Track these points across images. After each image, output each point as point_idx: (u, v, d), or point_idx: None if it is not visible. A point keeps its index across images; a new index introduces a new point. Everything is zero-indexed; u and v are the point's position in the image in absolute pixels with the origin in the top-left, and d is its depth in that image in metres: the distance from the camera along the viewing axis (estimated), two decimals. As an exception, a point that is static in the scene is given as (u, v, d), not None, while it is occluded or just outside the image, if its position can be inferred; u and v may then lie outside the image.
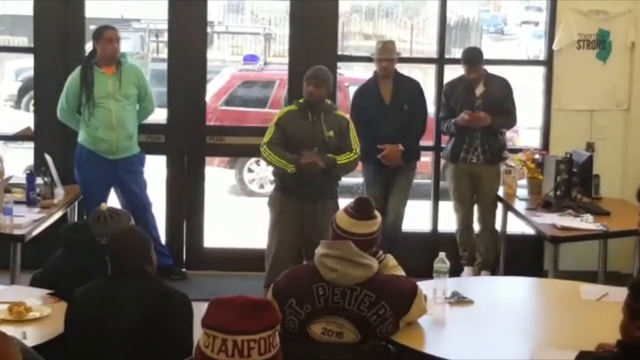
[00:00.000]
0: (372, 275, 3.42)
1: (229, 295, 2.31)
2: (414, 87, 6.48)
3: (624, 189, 6.62)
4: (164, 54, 10.75)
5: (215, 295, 2.38)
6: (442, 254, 3.92)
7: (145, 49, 12.50)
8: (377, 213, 3.61)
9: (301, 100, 5.83)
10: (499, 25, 23.65)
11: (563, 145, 6.46)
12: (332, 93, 6.03)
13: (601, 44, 6.79)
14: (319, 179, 5.66)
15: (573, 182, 5.94)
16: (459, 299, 3.96)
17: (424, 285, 3.68)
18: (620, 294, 3.11)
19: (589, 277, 5.44)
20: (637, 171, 6.60)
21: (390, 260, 3.72)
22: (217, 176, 9.47)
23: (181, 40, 6.78)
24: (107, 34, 6.22)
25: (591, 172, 6.04)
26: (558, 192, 5.87)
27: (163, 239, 6.65)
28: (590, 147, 6.42)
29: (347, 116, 5.94)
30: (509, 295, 4.37)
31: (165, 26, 7.25)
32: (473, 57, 6.49)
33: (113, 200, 6.25)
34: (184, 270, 6.70)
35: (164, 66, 7.16)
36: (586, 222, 5.58)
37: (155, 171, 6.82)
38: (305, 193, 5.69)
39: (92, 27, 6.70)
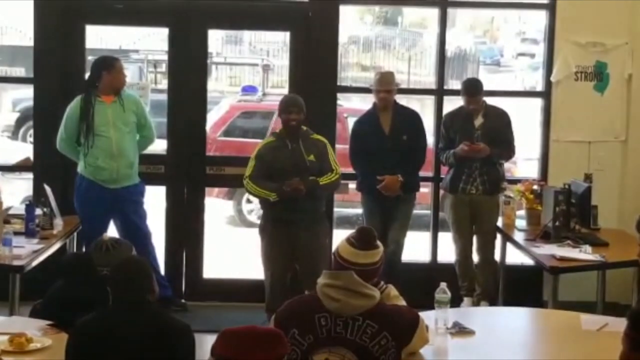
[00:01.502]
0: (374, 305, 3.42)
1: (231, 325, 2.31)
2: (414, 118, 6.52)
3: (622, 220, 6.64)
4: (162, 84, 10.80)
5: (216, 326, 2.38)
6: (443, 285, 3.93)
7: (143, 79, 12.55)
8: (379, 243, 3.62)
9: (277, 131, 6.04)
10: (495, 57, 23.79)
11: (561, 176, 6.48)
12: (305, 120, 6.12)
13: (598, 76, 6.84)
14: (305, 205, 5.82)
15: (571, 212, 5.96)
16: (460, 330, 3.97)
17: (425, 316, 3.69)
18: (620, 324, 3.12)
19: (587, 307, 5.44)
20: (635, 202, 6.63)
21: (392, 290, 3.73)
22: (215, 207, 9.47)
23: (181, 71, 6.82)
24: (119, 64, 6.28)
25: (589, 203, 6.06)
26: (557, 223, 5.89)
27: (162, 270, 6.64)
28: (588, 178, 6.44)
29: (323, 138, 6.08)
30: (510, 325, 4.37)
31: (163, 57, 7.31)
32: (473, 88, 6.53)
33: (112, 231, 6.24)
34: (183, 301, 6.69)
35: (162, 97, 7.19)
36: (585, 253, 5.59)
37: (154, 201, 6.83)
38: (294, 220, 5.82)
39: (91, 57, 6.74)
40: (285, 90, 7.18)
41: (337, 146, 6.94)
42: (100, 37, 13.87)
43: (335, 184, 6.04)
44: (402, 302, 3.74)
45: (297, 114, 5.92)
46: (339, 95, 7.15)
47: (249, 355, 2.21)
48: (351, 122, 7.88)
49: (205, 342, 5.39)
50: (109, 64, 6.26)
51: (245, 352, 2.21)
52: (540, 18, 7.12)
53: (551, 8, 6.88)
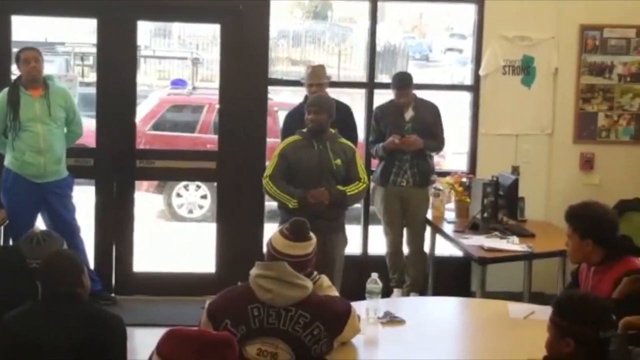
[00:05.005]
0: (306, 296, 3.44)
1: (161, 320, 2.28)
2: (345, 111, 6.54)
3: (548, 212, 6.79)
4: (90, 77, 10.64)
5: (145, 320, 2.36)
6: (374, 275, 3.98)
7: (70, 72, 12.37)
8: (312, 235, 3.65)
9: (305, 130, 5.70)
10: (424, 52, 24.05)
11: (489, 168, 6.58)
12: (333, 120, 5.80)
13: (526, 70, 6.97)
14: (327, 213, 5.51)
15: (499, 204, 6.05)
16: (391, 319, 4.01)
17: (356, 306, 3.72)
18: (546, 312, 3.19)
19: (514, 297, 5.52)
20: (561, 194, 6.77)
21: (325, 281, 3.75)
22: (144, 201, 9.39)
23: (110, 64, 6.73)
24: (24, 55, 6.14)
25: (517, 195, 6.16)
26: (485, 215, 5.98)
27: (92, 264, 6.56)
28: (515, 170, 6.56)
29: (352, 145, 5.83)
30: (439, 314, 4.44)
31: (90, 50, 7.19)
32: (403, 82, 6.59)
33: (40, 225, 6.14)
34: (113, 295, 6.62)
35: (89, 90, 7.09)
36: (512, 244, 5.69)
37: (83, 195, 6.74)
38: (313, 227, 5.47)
39: (16, 49, 6.62)
40: (216, 84, 7.14)
41: (268, 139, 6.96)
42: (25, 29, 13.60)
43: (362, 194, 5.76)
44: (335, 293, 3.78)
45: (317, 115, 5.59)
46: (269, 88, 7.14)
47: None
48: (282, 115, 7.89)
49: (136, 336, 5.38)
50: (17, 55, 6.18)
51: (195, 357, 2.18)
52: (469, 13, 7.21)
53: (479, 3, 6.98)
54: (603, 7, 6.94)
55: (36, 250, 3.91)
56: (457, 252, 6.21)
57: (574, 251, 4.03)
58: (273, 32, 8.25)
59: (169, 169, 6.97)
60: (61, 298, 3.38)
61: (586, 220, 3.97)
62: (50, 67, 9.42)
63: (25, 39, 9.59)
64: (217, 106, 7.34)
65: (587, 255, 3.98)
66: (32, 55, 6.15)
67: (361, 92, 7.29)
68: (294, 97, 8.74)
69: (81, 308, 3.41)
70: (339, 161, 5.62)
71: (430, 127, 6.57)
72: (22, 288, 3.66)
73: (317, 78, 6.39)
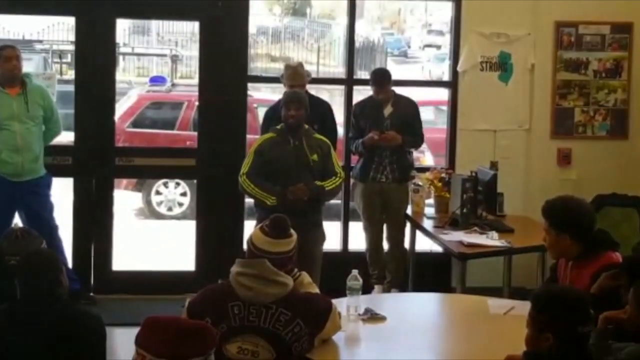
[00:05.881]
0: (287, 293, 3.44)
1: (141, 318, 2.28)
2: (324, 107, 6.55)
3: (526, 207, 6.81)
4: (68, 75, 10.58)
5: (125, 319, 2.37)
6: (355, 272, 3.98)
7: (48, 70, 12.29)
8: (292, 232, 3.65)
9: (279, 127, 5.68)
10: (402, 48, 24.10)
11: (468, 164, 6.61)
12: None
13: (503, 66, 7.00)
14: (305, 210, 5.46)
15: (478, 200, 6.08)
16: (372, 316, 4.02)
17: (337, 303, 3.73)
18: (526, 307, 3.20)
19: (494, 293, 5.54)
20: (539, 189, 6.81)
21: (305, 277, 3.75)
22: (123, 199, 9.36)
23: (88, 61, 6.70)
24: (5, 52, 6.10)
25: (495, 190, 6.19)
26: (464, 210, 6.00)
27: (70, 263, 6.53)
28: (494, 165, 6.59)
29: (326, 139, 5.81)
30: (420, 310, 4.45)
31: (68, 47, 7.14)
32: (381, 78, 6.60)
33: (20, 224, 6.10)
34: (92, 294, 6.59)
35: (68, 87, 7.05)
36: (491, 239, 5.71)
37: (62, 193, 6.71)
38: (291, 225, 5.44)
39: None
40: (195, 81, 7.13)
41: (248, 136, 6.95)
42: (2, 27, 13.53)
43: (338, 189, 5.78)
44: (316, 290, 3.78)
45: (297, 110, 5.58)
46: (249, 85, 7.13)
47: (171, 349, 2.19)
48: (261, 112, 7.89)
49: (115, 335, 5.36)
50: None
51: (167, 345, 2.19)
52: (446, 10, 7.24)
53: (457, 0, 7.01)
54: (578, 4, 7.01)
55: (15, 245, 3.88)
56: (437, 248, 6.23)
57: (552, 246, 4.05)
58: (252, 29, 8.27)
59: (148, 166, 6.95)
60: (40, 297, 3.36)
61: (562, 214, 3.99)
62: (28, 64, 9.34)
63: (2, 37, 9.53)
64: (197, 103, 7.32)
65: (565, 249, 4.01)
66: (12, 53, 6.12)
67: (340, 89, 7.31)
68: (274, 93, 8.74)
69: (60, 308, 3.38)
70: (315, 156, 5.61)
71: (409, 122, 6.58)
72: (1, 284, 3.64)
73: (299, 79, 6.35)
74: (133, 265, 7.12)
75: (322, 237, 5.82)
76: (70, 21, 6.93)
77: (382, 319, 4.03)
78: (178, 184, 9.81)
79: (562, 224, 3.96)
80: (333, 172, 5.67)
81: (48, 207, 6.28)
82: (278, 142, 5.62)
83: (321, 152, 5.65)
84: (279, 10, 23.40)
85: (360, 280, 3.98)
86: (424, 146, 7.52)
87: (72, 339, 3.29)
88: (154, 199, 9.90)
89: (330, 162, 5.68)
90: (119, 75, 13.77)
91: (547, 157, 7.09)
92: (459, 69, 7.00)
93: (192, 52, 14.81)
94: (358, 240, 6.90)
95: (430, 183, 6.55)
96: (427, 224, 6.27)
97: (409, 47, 24.71)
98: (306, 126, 5.71)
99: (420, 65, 21.90)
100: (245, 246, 3.69)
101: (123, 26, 15.85)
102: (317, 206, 5.70)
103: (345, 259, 6.73)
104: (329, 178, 5.64)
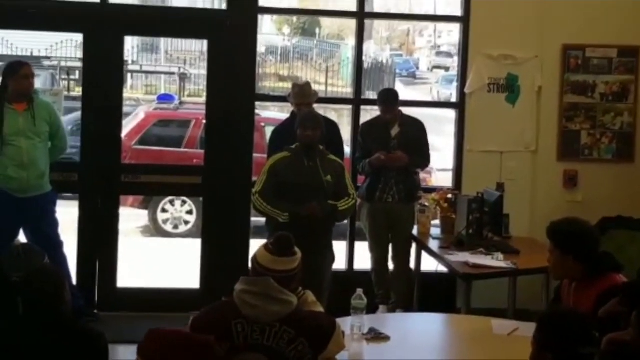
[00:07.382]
0: (291, 312, 3.43)
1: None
2: (331, 127, 6.55)
3: (532, 228, 6.80)
4: (76, 91, 10.62)
5: (129, 337, 2.37)
6: (359, 291, 3.98)
7: (56, 86, 12.35)
8: (297, 250, 3.64)
9: (293, 147, 5.67)
10: (411, 69, 24.17)
11: (475, 185, 6.61)
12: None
13: (510, 88, 7.02)
14: (317, 230, 5.48)
15: (484, 221, 6.07)
16: (375, 335, 4.01)
17: (341, 322, 3.71)
18: (530, 329, 3.20)
19: (499, 314, 5.53)
20: (544, 211, 6.78)
21: (310, 296, 3.74)
22: (129, 216, 9.38)
23: (96, 78, 6.72)
24: (23, 70, 6.13)
25: (501, 211, 6.18)
26: (470, 231, 6.00)
27: (75, 279, 6.52)
28: (500, 187, 6.59)
29: (340, 160, 5.83)
30: (424, 331, 4.44)
31: (76, 64, 7.17)
32: (389, 98, 6.61)
33: (22, 240, 6.10)
34: (95, 311, 6.58)
35: (75, 104, 7.07)
36: (497, 260, 5.71)
37: (67, 210, 6.71)
38: (302, 245, 5.40)
39: (1, 63, 6.59)
40: (203, 100, 7.15)
41: (255, 155, 6.96)
42: (11, 43, 13.60)
43: (351, 210, 5.77)
44: (320, 309, 3.77)
45: (313, 130, 5.58)
46: (256, 104, 7.15)
47: None
48: (269, 131, 7.90)
49: (119, 353, 5.35)
50: (14, 70, 6.12)
51: (173, 356, 2.19)
52: (454, 32, 7.27)
53: (465, 22, 7.03)
54: (585, 28, 7.03)
55: (17, 263, 3.88)
56: (443, 269, 6.21)
57: (556, 267, 4.05)
58: (261, 48, 8.31)
59: (155, 183, 6.95)
60: (42, 314, 3.35)
61: (567, 236, 3.99)
62: (36, 81, 9.38)
63: (10, 53, 9.58)
64: (204, 121, 7.34)
65: (569, 271, 4.00)
66: (29, 71, 6.17)
67: (348, 109, 7.32)
68: (281, 112, 8.77)
69: (63, 325, 3.38)
70: (329, 177, 5.61)
71: (415, 143, 6.59)
72: (2, 302, 3.64)
73: (306, 97, 6.36)
74: (138, 283, 7.11)
75: (331, 259, 5.81)
76: (78, 38, 6.97)
77: (385, 338, 4.03)
78: (184, 201, 9.83)
79: (566, 245, 3.96)
80: (346, 193, 5.67)
81: (53, 224, 6.27)
82: (292, 162, 5.61)
83: (335, 173, 5.65)
84: (288, 30, 23.51)
85: (365, 299, 3.98)
86: (430, 167, 7.52)
87: (74, 357, 3.28)
88: (160, 216, 9.91)
89: (344, 183, 5.68)
90: (127, 93, 13.85)
91: (553, 179, 7.09)
92: (466, 90, 7.01)
93: (200, 71, 14.89)
94: (363, 259, 6.89)
95: (437, 204, 6.55)
96: (433, 244, 6.26)
97: (418, 68, 24.80)
98: (320, 147, 5.72)
99: (429, 87, 21.95)
100: (250, 264, 3.69)
101: (131, 44, 15.95)
102: (329, 227, 5.70)
103: (350, 278, 6.73)
104: (342, 199, 5.64)
